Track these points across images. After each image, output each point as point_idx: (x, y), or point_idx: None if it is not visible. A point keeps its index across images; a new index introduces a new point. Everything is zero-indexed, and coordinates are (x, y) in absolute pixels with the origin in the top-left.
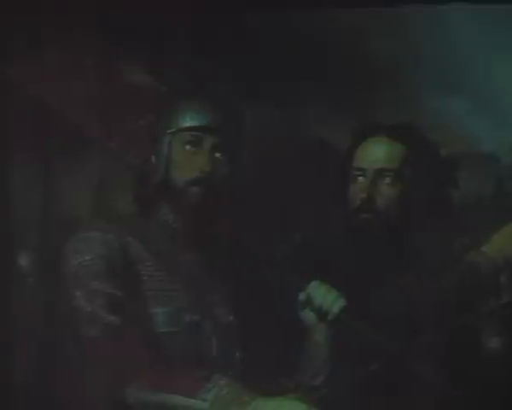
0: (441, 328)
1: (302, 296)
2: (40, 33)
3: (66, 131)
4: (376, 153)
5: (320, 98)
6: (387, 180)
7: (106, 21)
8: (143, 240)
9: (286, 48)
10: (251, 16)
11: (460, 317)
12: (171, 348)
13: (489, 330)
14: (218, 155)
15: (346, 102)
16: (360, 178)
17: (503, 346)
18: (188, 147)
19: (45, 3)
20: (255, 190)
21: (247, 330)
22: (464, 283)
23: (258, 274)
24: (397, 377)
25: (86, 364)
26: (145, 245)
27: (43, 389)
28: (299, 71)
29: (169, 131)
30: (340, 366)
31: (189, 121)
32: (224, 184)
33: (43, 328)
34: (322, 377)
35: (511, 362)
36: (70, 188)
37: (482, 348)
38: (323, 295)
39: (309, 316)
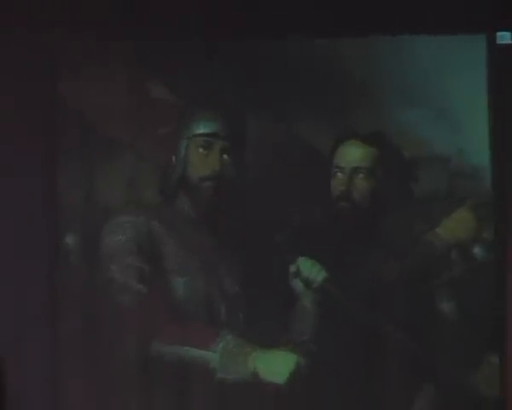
0: (405, 296)
1: (292, 269)
2: (82, 55)
3: (103, 137)
4: (352, 154)
5: (307, 111)
6: (361, 176)
7: (137, 47)
8: (166, 224)
9: (280, 70)
10: (251, 44)
11: (420, 286)
12: (187, 310)
13: (443, 296)
14: (225, 156)
15: (328, 114)
16: (339, 174)
17: (455, 309)
18: (201, 150)
19: (88, 30)
20: (255, 185)
21: (248, 297)
22: (423, 259)
23: (258, 252)
24: (369, 335)
25: (119, 325)
26: (167, 228)
27: (85, 352)
28: (290, 90)
29: (186, 136)
30: (323, 325)
31: (202, 129)
32: (230, 180)
33: (85, 297)
34: (309, 334)
35: (461, 322)
36: (107, 182)
37: (438, 311)
38: (309, 268)
39: (298, 285)
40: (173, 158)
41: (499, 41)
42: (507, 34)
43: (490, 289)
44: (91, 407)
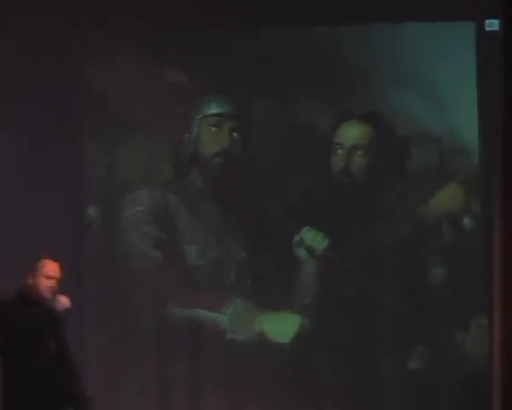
0: (400, 263)
1: (297, 238)
2: (104, 45)
3: (122, 117)
4: (351, 133)
5: (309, 94)
6: (359, 153)
7: (154, 36)
8: (180, 197)
9: (284, 57)
10: (257, 33)
11: (413, 254)
12: (199, 276)
13: (435, 263)
14: (234, 134)
15: (328, 97)
16: (339, 151)
17: (445, 274)
18: (212, 128)
19: (110, 21)
20: (262, 161)
21: (256, 264)
22: (416, 229)
23: (265, 222)
24: (366, 298)
25: (137, 289)
26: (181, 201)
27: (106, 313)
28: (294, 74)
29: (198, 116)
30: (324, 290)
31: (213, 109)
32: (238, 156)
33: (106, 263)
34: (312, 298)
35: (452, 287)
36: (126, 159)
37: (430, 277)
38: (312, 237)
39: (302, 253)
40: (186, 137)
41: (487, 28)
42: (495, 22)
43: (478, 256)
44: (113, 363)
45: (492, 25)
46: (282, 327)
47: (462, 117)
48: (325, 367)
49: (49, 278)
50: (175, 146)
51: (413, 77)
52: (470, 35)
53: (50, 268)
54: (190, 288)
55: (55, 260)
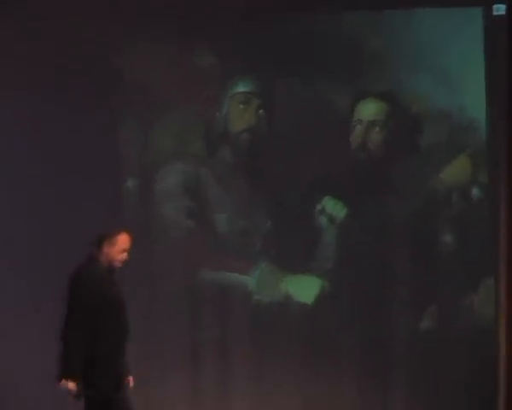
0: (413, 231)
1: (318, 207)
2: (141, 31)
3: (158, 98)
4: (368, 110)
5: (330, 75)
6: (376, 129)
7: (185, 26)
8: (210, 170)
9: (307, 41)
10: (283, 18)
11: (425, 223)
12: (229, 242)
13: (445, 231)
14: (260, 111)
15: (347, 77)
16: (358, 127)
17: (455, 241)
18: (240, 106)
19: (142, 8)
20: (286, 136)
21: (281, 231)
22: (428, 200)
23: (289, 192)
24: (382, 263)
25: (171, 255)
26: (211, 174)
27: (142, 278)
28: (315, 57)
29: (227, 96)
30: (343, 255)
31: (241, 88)
32: (264, 131)
33: (143, 231)
34: (332, 262)
35: (461, 252)
36: (162, 136)
37: (441, 244)
38: (333, 206)
39: (323, 221)
40: (217, 115)
41: (495, 12)
42: (502, 6)
43: (485, 223)
44: (150, 325)
45: (499, 9)
46: (304, 289)
47: (470, 95)
48: (343, 326)
49: (123, 251)
50: (206, 124)
51: (425, 58)
52: (478, 19)
53: (126, 242)
54: (220, 254)
55: (129, 234)
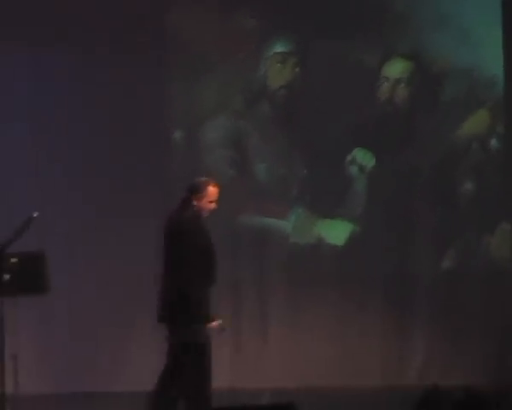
0: (435, 179)
1: (349, 157)
2: None
3: (203, 55)
4: (395, 68)
5: (360, 35)
6: (402, 85)
7: None
8: (251, 123)
9: (339, 4)
10: None
11: (447, 171)
12: (267, 189)
13: (464, 178)
14: (296, 69)
15: (376, 37)
16: (385, 83)
17: (475, 188)
18: (278, 65)
19: None
20: (320, 92)
21: (315, 179)
22: (450, 150)
23: (322, 144)
24: (407, 208)
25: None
26: (252, 126)
27: None
28: (347, 18)
29: (266, 55)
30: (372, 201)
31: (279, 48)
32: (300, 87)
33: (188, 180)
34: (361, 208)
35: (480, 198)
36: (207, 91)
37: (461, 188)
38: (363, 157)
39: (353, 170)
40: (256, 71)
41: None
42: None
43: (502, 172)
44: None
45: None
46: (336, 232)
47: (489, 53)
48: (372, 266)
49: (211, 202)
50: (247, 80)
51: (446, 19)
52: None
53: (214, 193)
54: (260, 200)
55: (216, 184)
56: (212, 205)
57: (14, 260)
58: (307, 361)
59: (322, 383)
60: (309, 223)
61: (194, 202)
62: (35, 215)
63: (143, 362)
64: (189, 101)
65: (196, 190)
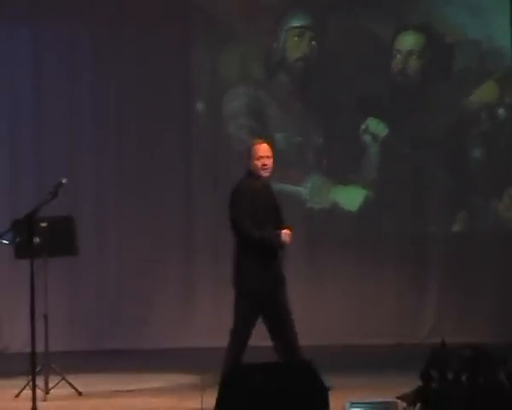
0: (447, 145)
1: (363, 126)
2: None
3: (223, 28)
4: (408, 41)
5: (373, 8)
6: (414, 57)
7: None
8: (270, 94)
9: None
10: None
11: (457, 138)
12: (286, 157)
13: (475, 146)
14: (313, 43)
15: (390, 11)
16: (398, 55)
17: (483, 154)
18: (295, 38)
19: None
20: (335, 64)
21: (330, 147)
22: (460, 118)
23: (338, 113)
24: (419, 175)
25: (236, 166)
26: (270, 97)
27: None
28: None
29: (284, 28)
30: (385, 168)
31: (296, 22)
32: (316, 60)
33: (211, 148)
34: (375, 175)
35: (488, 164)
36: (227, 63)
37: (471, 157)
38: (376, 126)
39: (367, 138)
40: (275, 45)
41: None
42: None
43: (509, 139)
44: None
45: None
46: (351, 198)
47: (497, 25)
48: (385, 229)
49: (259, 158)
50: (266, 52)
51: None
52: None
53: (260, 150)
54: (278, 166)
55: (265, 141)
56: (261, 161)
57: (43, 224)
58: (325, 320)
59: (339, 341)
60: (324, 189)
61: (248, 163)
62: (64, 181)
63: (168, 321)
64: (211, 71)
65: (246, 156)
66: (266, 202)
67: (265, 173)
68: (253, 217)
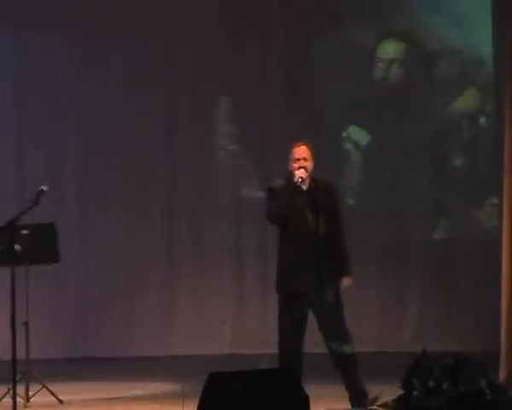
0: (428, 153)
1: (344, 134)
2: None
3: None
4: (389, 49)
5: (356, 17)
6: (396, 65)
7: None
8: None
9: None
10: None
11: (439, 146)
12: (267, 162)
13: (456, 152)
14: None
15: (371, 19)
16: (380, 64)
17: (465, 162)
18: None
19: None
20: (321, 72)
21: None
22: (441, 125)
23: (321, 121)
24: (401, 182)
25: None
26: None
27: None
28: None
29: None
30: (366, 176)
31: None
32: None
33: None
34: (357, 182)
35: (470, 172)
36: None
37: (452, 162)
38: (357, 134)
39: (349, 146)
40: None
41: None
42: None
43: (491, 147)
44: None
45: None
46: None
47: (479, 34)
48: (367, 237)
49: (295, 161)
50: None
51: (440, 2)
52: None
53: (297, 152)
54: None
55: (303, 144)
56: (297, 164)
57: (25, 231)
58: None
59: (319, 349)
60: None
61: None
62: (45, 188)
63: (150, 328)
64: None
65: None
66: (282, 206)
67: (300, 175)
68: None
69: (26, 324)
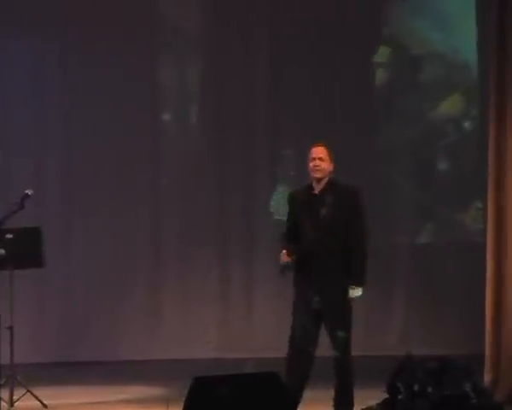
0: (413, 157)
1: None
2: None
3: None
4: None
5: (343, 30)
6: (381, 69)
7: None
8: None
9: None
10: None
11: (423, 150)
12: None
13: (440, 156)
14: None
15: (358, 26)
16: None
17: (450, 166)
18: None
19: None
20: (303, 74)
21: (298, 159)
22: (426, 130)
23: (306, 122)
24: (386, 185)
25: None
26: None
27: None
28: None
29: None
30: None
31: None
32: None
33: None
34: None
35: (455, 176)
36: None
37: (437, 166)
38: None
39: None
40: None
41: None
42: None
43: (476, 151)
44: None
45: None
46: None
47: (463, 38)
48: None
49: (311, 160)
50: None
51: (424, 6)
52: None
53: (313, 152)
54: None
55: (319, 144)
56: (313, 163)
57: (9, 235)
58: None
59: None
60: None
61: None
62: (29, 193)
63: (135, 333)
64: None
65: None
66: (303, 203)
67: (316, 174)
68: (293, 216)
69: (10, 328)
